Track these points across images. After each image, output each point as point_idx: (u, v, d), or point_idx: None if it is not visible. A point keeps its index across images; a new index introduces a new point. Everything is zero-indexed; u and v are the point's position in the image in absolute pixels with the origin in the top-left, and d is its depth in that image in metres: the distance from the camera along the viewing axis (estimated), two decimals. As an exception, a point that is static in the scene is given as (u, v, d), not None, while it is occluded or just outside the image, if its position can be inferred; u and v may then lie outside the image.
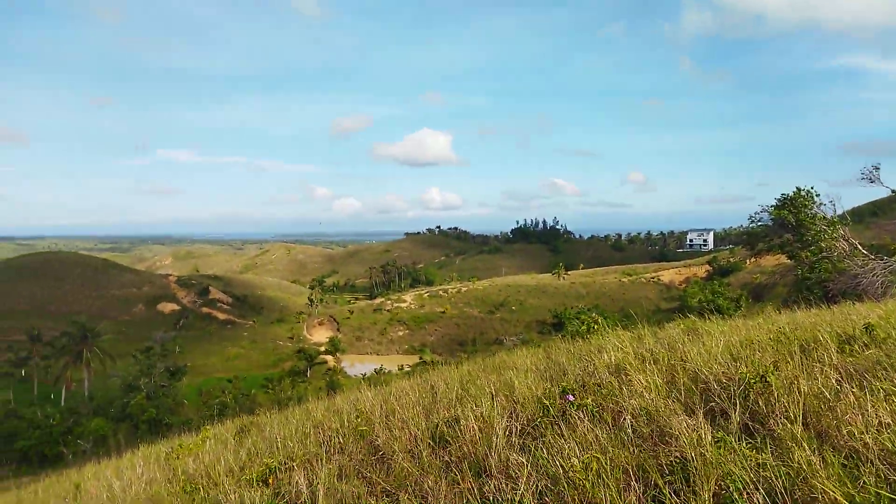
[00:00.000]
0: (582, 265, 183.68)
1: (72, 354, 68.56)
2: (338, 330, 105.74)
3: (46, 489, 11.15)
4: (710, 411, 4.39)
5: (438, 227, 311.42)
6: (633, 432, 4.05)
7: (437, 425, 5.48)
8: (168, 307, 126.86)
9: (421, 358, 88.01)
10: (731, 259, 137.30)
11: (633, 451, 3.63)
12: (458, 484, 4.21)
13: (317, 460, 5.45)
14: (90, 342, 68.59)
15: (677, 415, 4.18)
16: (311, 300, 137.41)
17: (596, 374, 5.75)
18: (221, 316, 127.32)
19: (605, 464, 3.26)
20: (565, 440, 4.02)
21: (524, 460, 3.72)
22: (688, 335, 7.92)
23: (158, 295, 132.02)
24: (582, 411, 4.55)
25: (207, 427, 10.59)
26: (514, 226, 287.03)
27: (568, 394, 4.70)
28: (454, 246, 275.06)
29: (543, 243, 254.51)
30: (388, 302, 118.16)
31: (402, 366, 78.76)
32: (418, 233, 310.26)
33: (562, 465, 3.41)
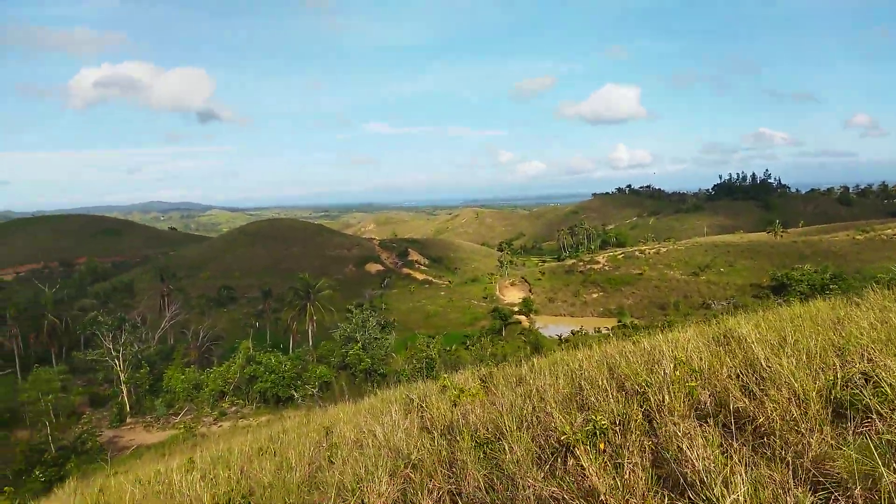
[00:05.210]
0: (802, 222, 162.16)
1: (297, 308, 76.95)
2: (530, 291, 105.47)
3: (295, 431, 11.20)
4: None
5: (629, 185, 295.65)
6: None
7: (837, 385, 3.73)
8: (374, 267, 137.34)
9: (620, 320, 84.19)
10: None
11: None
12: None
13: (654, 425, 4.05)
14: (312, 298, 76.30)
15: None
16: (500, 262, 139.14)
17: None
18: (419, 276, 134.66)
19: None
20: None
21: None
22: None
23: (366, 256, 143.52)
24: None
25: (445, 375, 9.82)
26: (716, 181, 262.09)
27: None
28: (647, 205, 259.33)
29: (752, 199, 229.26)
30: (581, 263, 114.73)
31: (599, 328, 75.87)
32: (607, 193, 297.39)
33: None
